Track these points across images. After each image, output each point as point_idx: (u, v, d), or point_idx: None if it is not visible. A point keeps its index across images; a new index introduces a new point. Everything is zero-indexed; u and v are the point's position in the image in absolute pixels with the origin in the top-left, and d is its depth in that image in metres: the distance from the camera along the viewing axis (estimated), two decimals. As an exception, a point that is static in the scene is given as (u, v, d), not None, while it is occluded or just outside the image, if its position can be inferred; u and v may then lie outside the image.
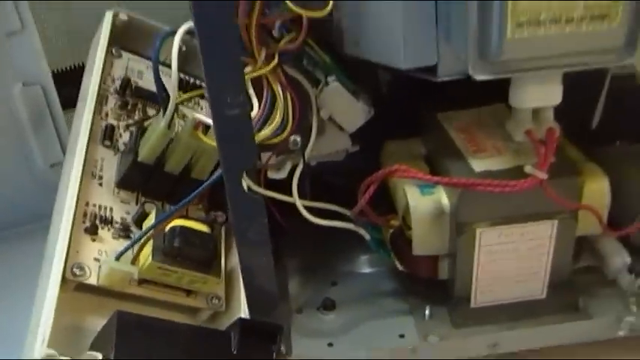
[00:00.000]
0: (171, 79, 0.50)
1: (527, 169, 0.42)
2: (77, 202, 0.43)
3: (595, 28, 0.35)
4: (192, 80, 0.57)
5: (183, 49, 0.51)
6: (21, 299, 0.60)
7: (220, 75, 0.34)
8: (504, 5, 0.35)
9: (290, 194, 0.47)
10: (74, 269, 0.41)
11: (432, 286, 0.51)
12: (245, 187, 0.40)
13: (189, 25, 0.44)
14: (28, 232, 0.70)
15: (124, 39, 0.57)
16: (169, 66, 0.53)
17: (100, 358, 0.36)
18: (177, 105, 0.46)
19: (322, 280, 0.56)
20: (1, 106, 0.66)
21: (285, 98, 0.43)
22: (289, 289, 0.54)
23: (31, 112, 0.68)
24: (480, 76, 0.37)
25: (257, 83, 0.43)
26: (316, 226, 0.49)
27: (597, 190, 0.46)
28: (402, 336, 0.49)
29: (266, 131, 0.42)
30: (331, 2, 0.41)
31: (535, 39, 0.36)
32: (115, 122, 0.51)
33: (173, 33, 0.43)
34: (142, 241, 0.41)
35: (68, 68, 0.86)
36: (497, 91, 0.43)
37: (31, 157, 0.70)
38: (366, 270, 0.57)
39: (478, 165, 0.45)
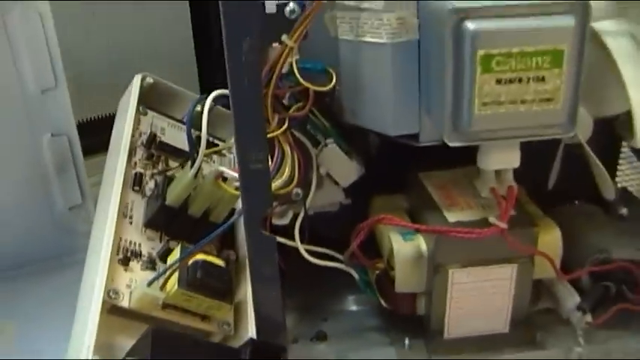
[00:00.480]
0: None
1: (491, 219, 0.50)
2: (114, 237, 0.51)
3: (543, 108, 0.44)
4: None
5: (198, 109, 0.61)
6: (44, 326, 0.66)
7: (248, 137, 0.42)
8: (473, 89, 0.43)
9: (288, 239, 0.53)
10: (111, 293, 0.48)
11: (411, 321, 0.57)
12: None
13: (214, 94, 0.53)
14: (47, 269, 0.74)
15: (149, 99, 0.65)
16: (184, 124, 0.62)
17: (137, 364, 0.43)
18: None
19: (315, 317, 0.61)
20: (31, 153, 0.72)
21: (292, 156, 0.51)
22: (286, 323, 0.61)
23: (56, 160, 0.73)
24: (453, 143, 0.45)
25: (269, 143, 0.51)
26: (310, 270, 0.55)
27: (550, 240, 0.53)
28: (384, 363, 0.56)
29: (277, 183, 0.49)
30: (334, 79, 0.50)
31: (497, 115, 0.44)
32: (142, 171, 0.58)
33: (201, 100, 0.52)
34: (170, 271, 0.49)
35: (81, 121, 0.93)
36: (470, 156, 0.51)
37: (53, 199, 0.75)
38: (354, 308, 0.63)
39: (451, 216, 0.52)
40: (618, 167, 0.68)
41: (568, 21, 0.42)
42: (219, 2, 0.39)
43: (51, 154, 0.73)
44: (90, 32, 0.92)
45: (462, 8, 0.42)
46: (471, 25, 0.42)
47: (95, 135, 0.76)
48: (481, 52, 0.42)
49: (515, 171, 0.51)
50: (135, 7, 0.95)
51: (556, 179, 0.59)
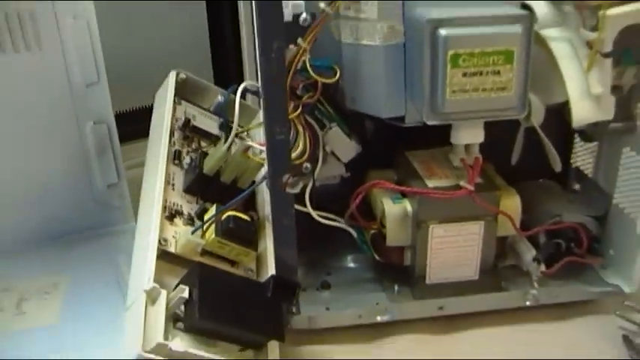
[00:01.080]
0: (212, 121, 0.73)
1: (462, 184, 0.62)
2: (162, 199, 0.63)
3: (499, 95, 0.55)
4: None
5: (221, 99, 0.73)
6: (90, 281, 0.77)
7: (275, 114, 0.55)
8: (445, 80, 0.55)
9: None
10: (161, 241, 0.60)
11: (399, 272, 0.69)
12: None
13: (242, 86, 0.66)
14: (85, 239, 0.84)
15: (182, 91, 0.76)
16: (212, 112, 0.75)
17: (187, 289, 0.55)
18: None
19: (320, 271, 0.73)
20: (76, 138, 0.81)
21: (304, 134, 0.61)
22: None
23: (97, 144, 0.82)
24: (430, 122, 0.57)
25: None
26: (316, 233, 0.66)
27: (511, 203, 0.65)
28: (377, 303, 0.67)
29: (293, 155, 0.60)
30: (338, 73, 0.60)
31: (463, 100, 0.55)
32: (180, 148, 0.70)
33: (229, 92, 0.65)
34: (208, 223, 0.61)
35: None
36: (445, 139, 0.63)
37: (93, 178, 0.84)
38: (352, 265, 0.74)
39: (431, 183, 0.64)
40: (573, 150, 0.81)
41: (516, 28, 0.54)
42: (255, 14, 0.52)
43: (93, 139, 0.83)
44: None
45: (437, 19, 0.54)
46: (443, 31, 0.54)
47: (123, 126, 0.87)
48: (451, 52, 0.54)
49: (487, 154, 0.63)
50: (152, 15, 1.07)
51: (521, 161, 0.69)
